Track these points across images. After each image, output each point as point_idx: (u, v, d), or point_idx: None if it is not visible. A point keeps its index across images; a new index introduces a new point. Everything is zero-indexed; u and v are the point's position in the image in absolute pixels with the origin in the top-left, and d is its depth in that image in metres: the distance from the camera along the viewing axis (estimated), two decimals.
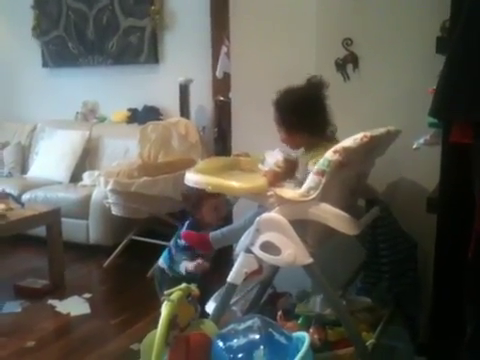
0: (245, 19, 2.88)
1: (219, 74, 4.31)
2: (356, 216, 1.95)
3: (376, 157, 2.22)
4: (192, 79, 4.56)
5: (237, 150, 2.77)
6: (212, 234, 2.36)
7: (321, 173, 1.83)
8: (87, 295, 3.53)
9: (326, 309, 2.12)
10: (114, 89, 5.25)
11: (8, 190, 4.19)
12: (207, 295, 2.26)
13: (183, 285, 1.76)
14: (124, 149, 4.75)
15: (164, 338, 1.62)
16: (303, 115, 2.09)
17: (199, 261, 2.39)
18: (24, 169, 5.37)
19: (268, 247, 1.93)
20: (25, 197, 4.47)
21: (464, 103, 1.56)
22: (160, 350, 1.61)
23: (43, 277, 3.67)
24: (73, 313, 3.28)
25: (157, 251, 2.78)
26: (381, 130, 2.05)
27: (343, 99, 2.41)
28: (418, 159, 2.43)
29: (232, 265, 2.07)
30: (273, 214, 1.92)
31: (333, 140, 2.06)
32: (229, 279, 2.03)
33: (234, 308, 2.35)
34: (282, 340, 1.64)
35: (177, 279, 2.35)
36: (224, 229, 2.38)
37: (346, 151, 1.82)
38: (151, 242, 3.93)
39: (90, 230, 4.32)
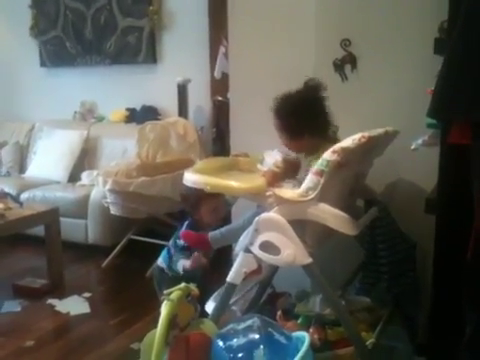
0: (243, 19, 2.88)
1: (217, 74, 4.31)
2: (355, 216, 1.96)
3: (374, 157, 2.23)
4: (190, 79, 4.56)
5: (235, 150, 2.78)
6: (211, 234, 2.37)
7: (320, 173, 1.83)
8: (86, 294, 3.53)
9: (325, 309, 2.13)
10: (112, 89, 5.24)
11: (6, 189, 4.19)
12: (207, 295, 2.27)
13: (182, 285, 1.76)
14: (122, 149, 4.75)
15: (164, 338, 1.62)
16: (303, 118, 2.09)
17: (195, 254, 2.39)
18: (22, 168, 5.37)
19: (267, 247, 1.94)
20: (23, 197, 4.47)
21: (463, 103, 1.57)
22: (160, 350, 1.61)
23: (42, 276, 3.67)
24: (72, 313, 3.29)
25: (156, 251, 2.78)
26: (379, 131, 2.05)
27: (341, 99, 2.41)
28: (416, 160, 2.44)
29: (231, 265, 2.07)
30: (272, 214, 1.93)
31: (335, 141, 2.05)
32: (228, 279, 2.04)
33: (233, 308, 2.35)
34: (282, 340, 1.65)
35: (176, 279, 2.36)
36: (223, 229, 2.38)
37: (344, 151, 1.83)
38: (150, 242, 3.93)
39: (89, 230, 4.32)
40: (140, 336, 1.80)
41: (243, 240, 2.09)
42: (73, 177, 4.86)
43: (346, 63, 2.64)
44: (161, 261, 2.60)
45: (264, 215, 1.95)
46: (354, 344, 1.97)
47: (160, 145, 4.24)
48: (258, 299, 2.50)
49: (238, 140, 2.97)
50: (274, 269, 2.39)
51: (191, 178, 2.06)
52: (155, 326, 1.65)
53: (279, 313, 2.24)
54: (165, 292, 1.71)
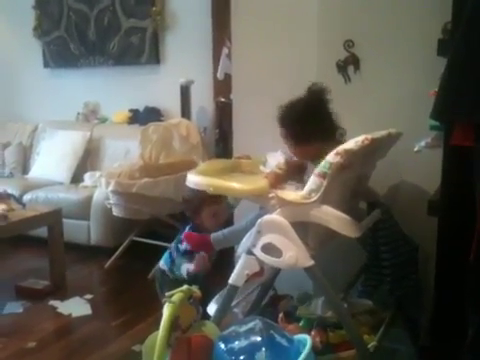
0: (246, 20, 2.88)
1: (220, 75, 4.31)
2: (357, 219, 1.96)
3: (377, 159, 2.22)
4: (193, 80, 4.57)
5: (238, 151, 2.78)
6: (213, 235, 2.37)
7: (322, 175, 1.83)
8: (88, 296, 3.53)
9: (327, 311, 2.12)
10: (115, 90, 5.25)
11: (9, 191, 4.18)
12: (208, 297, 2.26)
13: (184, 287, 1.76)
14: (125, 150, 4.76)
15: (166, 340, 1.62)
16: (309, 124, 2.06)
17: (198, 256, 2.38)
18: (25, 169, 5.38)
19: (269, 249, 1.93)
20: (26, 198, 4.48)
21: (466, 105, 1.56)
22: (162, 352, 1.61)
23: (44, 278, 3.67)
24: (74, 314, 3.28)
25: (158, 252, 2.78)
26: (382, 132, 2.05)
27: (344, 101, 2.40)
28: (419, 162, 2.43)
29: (233, 267, 2.07)
30: (274, 216, 1.92)
31: (343, 143, 2.04)
32: (230, 281, 2.04)
33: (235, 310, 2.35)
34: (284, 342, 1.64)
35: (178, 281, 2.37)
36: (225, 230, 2.38)
37: (347, 153, 1.82)
38: (152, 243, 3.94)
39: (91, 231, 4.32)
40: (142, 338, 1.80)
41: (245, 242, 2.09)
42: (76, 178, 4.87)
43: (349, 64, 2.63)
44: (163, 263, 2.60)
45: (266, 217, 1.94)
46: (356, 347, 1.97)
47: (163, 146, 4.24)
48: (260, 301, 2.50)
49: (241, 141, 2.97)
50: (276, 271, 2.38)
51: (194, 180, 2.06)
52: (157, 328, 1.65)
53: (281, 315, 2.24)
54: (167, 294, 1.70)
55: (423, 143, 2.33)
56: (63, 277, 3.72)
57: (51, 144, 5.18)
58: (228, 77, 3.87)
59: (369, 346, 1.99)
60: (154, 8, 4.85)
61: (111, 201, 3.86)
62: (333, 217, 1.87)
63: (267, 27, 2.81)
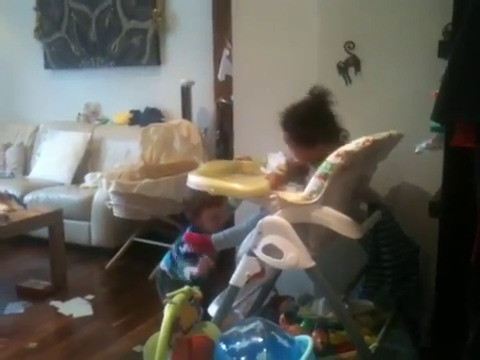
0: (247, 21, 2.88)
1: (221, 76, 4.32)
2: (358, 220, 1.96)
3: (378, 161, 2.22)
4: (194, 81, 4.57)
5: (239, 152, 2.79)
6: (214, 236, 2.37)
7: (323, 177, 1.83)
8: (89, 297, 3.53)
9: (328, 312, 2.12)
10: (116, 91, 5.26)
11: (10, 191, 4.20)
12: (209, 297, 2.26)
13: (185, 288, 1.76)
14: (126, 151, 4.76)
15: (167, 340, 1.63)
16: (313, 126, 2.06)
17: (202, 259, 2.38)
18: (26, 170, 5.38)
19: (270, 250, 1.94)
20: (27, 198, 4.49)
21: (467, 105, 1.56)
22: (163, 352, 1.62)
23: (45, 278, 3.67)
24: (75, 315, 3.29)
25: (159, 253, 2.78)
26: (383, 134, 2.05)
27: (345, 102, 2.40)
28: (420, 163, 2.43)
29: (234, 268, 2.07)
30: (275, 217, 1.93)
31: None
32: (231, 282, 2.04)
33: (236, 311, 2.35)
34: (285, 343, 1.65)
35: (179, 282, 2.37)
36: (226, 231, 2.38)
37: (348, 155, 1.83)
38: (153, 244, 3.94)
39: (92, 232, 4.32)
40: (143, 338, 1.80)
41: (246, 243, 2.09)
42: (77, 179, 4.88)
43: (350, 66, 2.64)
44: (163, 264, 2.59)
45: (267, 218, 1.95)
46: (357, 348, 1.97)
47: (164, 147, 4.24)
48: (261, 302, 2.50)
49: (242, 142, 2.97)
50: (277, 272, 2.39)
51: (195, 180, 2.06)
52: (158, 329, 1.65)
53: (282, 316, 2.24)
54: (168, 295, 1.71)
55: (424, 144, 2.33)
56: (64, 278, 3.73)
57: (52, 145, 5.19)
58: (229, 78, 3.87)
59: (370, 347, 2.00)
60: (155, 9, 4.86)
61: (112, 202, 3.86)
62: (334, 218, 1.87)
63: (268, 28, 2.81)
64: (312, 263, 1.90)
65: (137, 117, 5.02)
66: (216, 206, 2.45)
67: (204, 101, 4.69)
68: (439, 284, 2.10)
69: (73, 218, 4.22)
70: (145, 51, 5.03)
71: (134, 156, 4.48)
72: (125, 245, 4.14)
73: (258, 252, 1.96)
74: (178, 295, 1.71)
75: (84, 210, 4.32)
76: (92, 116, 5.43)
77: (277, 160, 2.22)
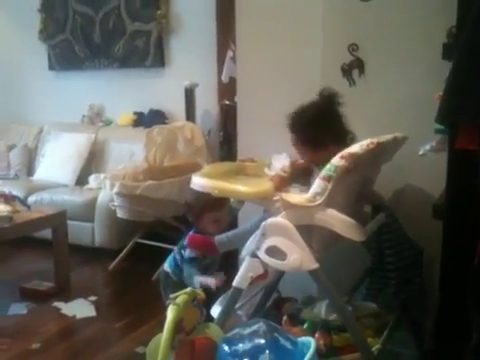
0: (251, 23, 2.89)
1: (225, 78, 4.32)
2: (362, 222, 1.95)
3: (383, 163, 2.22)
4: (198, 83, 4.58)
5: (243, 154, 2.78)
6: (217, 237, 2.36)
7: (327, 179, 1.82)
8: (92, 298, 3.54)
9: (331, 314, 2.12)
10: (120, 92, 5.27)
11: (14, 192, 4.19)
12: (212, 299, 2.26)
13: (188, 289, 1.77)
14: (130, 152, 4.77)
15: (170, 342, 1.62)
16: (322, 128, 2.07)
17: (218, 277, 2.34)
18: (30, 171, 5.40)
19: (274, 252, 1.93)
20: (31, 199, 4.50)
21: (472, 107, 1.56)
22: (165, 354, 1.61)
23: (48, 279, 3.67)
24: (78, 315, 3.29)
25: (162, 254, 2.78)
26: (388, 136, 2.05)
27: (349, 104, 2.40)
28: (424, 165, 2.43)
29: (237, 269, 2.07)
30: (279, 219, 1.92)
31: None
32: (234, 283, 2.03)
33: (239, 312, 2.35)
34: (287, 345, 1.64)
35: (182, 283, 2.37)
36: (230, 233, 2.37)
37: (352, 157, 1.82)
38: (156, 245, 3.94)
39: (96, 233, 4.33)
40: (145, 340, 1.80)
41: (250, 244, 2.09)
42: (80, 180, 4.89)
43: (354, 68, 2.63)
44: (167, 266, 2.59)
45: (271, 220, 1.94)
46: (360, 350, 1.97)
47: (167, 149, 4.24)
48: (264, 304, 2.50)
49: (245, 144, 2.97)
50: (280, 274, 2.38)
51: (199, 182, 2.05)
52: (161, 330, 1.65)
53: (285, 318, 2.23)
54: (171, 296, 1.71)
55: (428, 147, 2.33)
56: (67, 279, 3.73)
57: (56, 146, 5.20)
58: (233, 80, 3.87)
59: (373, 349, 1.99)
60: (159, 11, 4.86)
61: (115, 203, 3.87)
62: (338, 220, 1.87)
63: (271, 30, 2.82)
64: (315, 265, 1.89)
65: (141, 119, 5.03)
66: (218, 210, 2.44)
67: (208, 103, 4.69)
68: (443, 286, 2.09)
69: (77, 219, 4.23)
70: (149, 53, 5.04)
71: (138, 158, 4.49)
72: (128, 246, 4.14)
73: (261, 254, 1.96)
74: (181, 296, 1.70)
75: (88, 211, 4.33)
76: (96, 118, 5.44)
77: (281, 162, 2.22)
